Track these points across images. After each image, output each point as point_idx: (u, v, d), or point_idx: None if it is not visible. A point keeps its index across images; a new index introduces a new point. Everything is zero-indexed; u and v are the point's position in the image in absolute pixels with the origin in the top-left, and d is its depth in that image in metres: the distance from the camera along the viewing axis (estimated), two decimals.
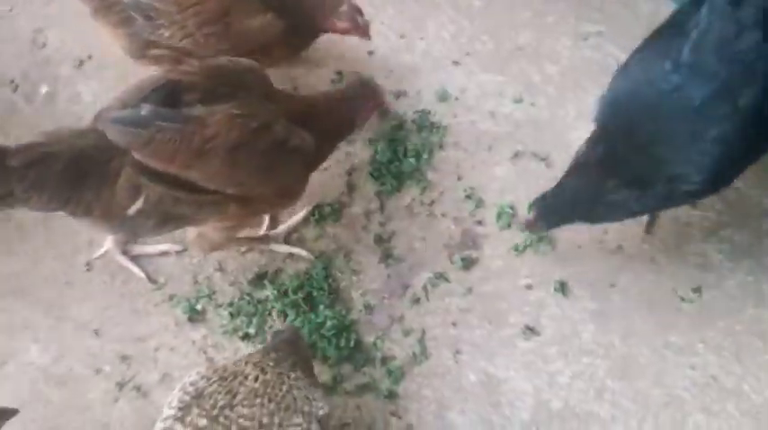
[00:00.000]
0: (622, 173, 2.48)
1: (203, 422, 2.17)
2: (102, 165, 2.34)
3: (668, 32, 2.49)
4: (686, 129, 2.36)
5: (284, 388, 2.28)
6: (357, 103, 2.79)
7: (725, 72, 2.31)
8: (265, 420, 2.18)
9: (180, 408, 2.23)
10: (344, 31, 2.93)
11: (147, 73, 2.88)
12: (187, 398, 2.25)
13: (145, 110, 2.32)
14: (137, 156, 2.32)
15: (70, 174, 2.32)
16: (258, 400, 2.23)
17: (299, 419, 2.21)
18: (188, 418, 2.19)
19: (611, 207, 2.54)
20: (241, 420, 2.17)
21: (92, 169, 2.34)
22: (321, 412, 2.26)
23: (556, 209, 2.63)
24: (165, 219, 2.49)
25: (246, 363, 2.32)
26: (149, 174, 2.36)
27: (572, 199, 2.59)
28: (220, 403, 2.21)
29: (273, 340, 2.47)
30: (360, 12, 2.92)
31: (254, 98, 2.47)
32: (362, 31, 2.95)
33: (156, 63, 2.78)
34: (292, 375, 2.31)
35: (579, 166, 2.59)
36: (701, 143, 2.35)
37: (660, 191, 2.45)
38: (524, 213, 2.80)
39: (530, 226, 2.71)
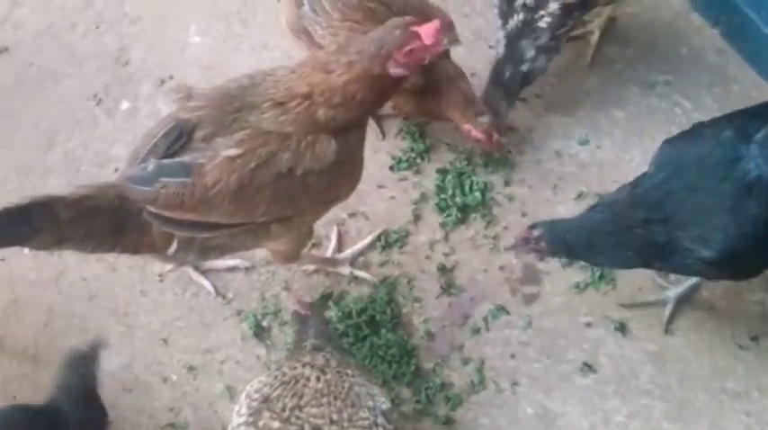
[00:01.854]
0: (654, 212, 2.49)
1: (276, 424, 2.25)
2: (137, 214, 2.41)
3: (752, 113, 2.55)
4: (728, 198, 2.40)
5: (346, 385, 2.35)
6: (375, 64, 2.34)
7: None
8: (335, 417, 2.26)
9: (250, 414, 2.30)
10: (474, 138, 3.00)
11: None
12: (255, 404, 2.32)
13: (150, 166, 2.36)
14: (151, 209, 2.39)
15: (111, 225, 2.41)
16: (324, 399, 2.30)
17: (365, 414, 2.29)
18: (260, 423, 2.26)
19: (624, 245, 2.55)
20: (312, 419, 2.25)
21: (127, 219, 2.42)
22: (384, 406, 2.34)
23: (563, 238, 2.62)
24: (205, 251, 2.58)
25: (304, 366, 2.39)
26: (171, 221, 2.42)
27: (589, 232, 2.59)
28: (289, 405, 2.28)
29: (305, 336, 2.55)
30: (499, 128, 3.00)
31: (266, 116, 2.39)
32: (495, 146, 3.03)
33: (305, 48, 2.92)
34: (350, 372, 2.39)
35: (606, 204, 2.62)
36: (738, 215, 2.39)
37: (677, 247, 2.47)
38: None
39: (523, 241, 2.66)
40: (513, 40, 2.98)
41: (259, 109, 2.40)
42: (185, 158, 2.37)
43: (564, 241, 2.62)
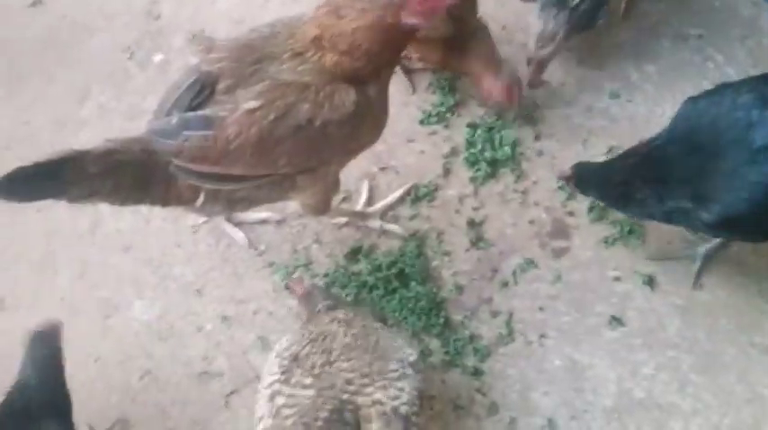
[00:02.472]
0: (661, 171, 2.53)
1: (308, 380, 2.29)
2: (163, 167, 2.43)
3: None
4: (734, 163, 2.40)
5: (373, 339, 2.39)
6: (390, 13, 2.32)
7: None
8: (365, 370, 2.30)
9: (282, 373, 2.35)
10: (491, 97, 3.01)
11: None
12: (286, 362, 2.37)
13: (174, 119, 2.39)
14: (176, 162, 2.42)
15: (140, 177, 2.44)
16: (354, 353, 2.34)
17: (394, 366, 2.33)
18: (293, 379, 2.31)
19: (633, 199, 2.61)
20: (343, 373, 2.29)
21: (154, 172, 2.44)
22: (412, 358, 2.38)
23: (590, 178, 2.72)
24: (232, 203, 2.61)
25: (330, 322, 2.44)
26: (196, 174, 2.45)
27: (605, 177, 2.67)
28: (319, 362, 2.33)
29: (316, 305, 2.57)
30: (520, 86, 3.01)
31: (285, 67, 2.40)
32: (512, 100, 3.02)
33: None
34: (374, 326, 2.44)
35: (626, 154, 2.67)
36: (738, 181, 2.39)
37: (681, 205, 2.50)
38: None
39: (562, 177, 2.81)
40: None
41: (279, 60, 2.41)
42: (207, 111, 2.38)
43: (587, 183, 2.72)
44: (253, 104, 2.35)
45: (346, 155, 2.62)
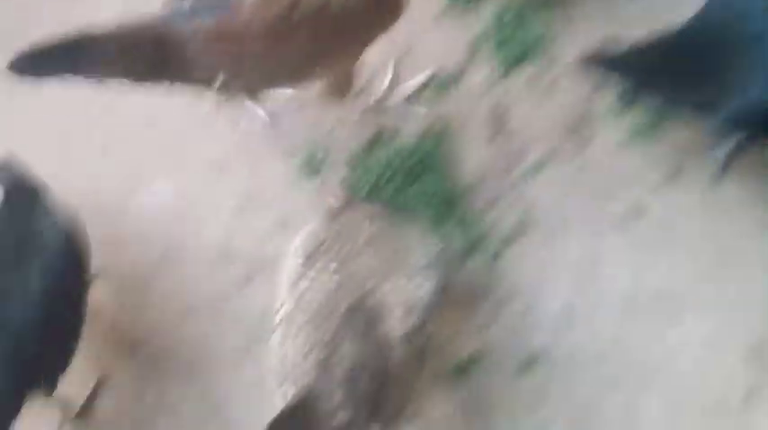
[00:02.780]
0: (687, 60, 2.50)
1: (333, 265, 2.31)
2: (181, 48, 2.40)
3: None
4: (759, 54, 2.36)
5: (398, 229, 2.41)
6: None
7: None
8: (391, 259, 2.31)
9: (307, 257, 2.36)
10: None
11: None
12: (311, 247, 2.38)
13: (187, 2, 2.37)
14: (192, 45, 2.38)
15: (155, 59, 2.42)
16: (379, 242, 2.35)
17: (420, 257, 2.34)
18: (317, 263, 2.32)
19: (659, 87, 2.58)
20: (369, 260, 2.30)
21: (171, 54, 2.42)
22: (437, 247, 2.40)
23: (617, 61, 2.62)
24: (252, 84, 2.60)
25: (355, 215, 2.43)
26: (213, 56, 2.41)
27: (633, 61, 2.59)
28: (346, 248, 2.34)
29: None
30: None
31: None
32: None
33: None
34: (402, 217, 2.46)
35: (661, 36, 2.60)
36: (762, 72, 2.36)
37: (707, 97, 2.46)
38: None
39: (587, 58, 2.64)
40: None
41: None
42: None
43: (613, 65, 2.62)
44: None
45: (368, 35, 2.56)
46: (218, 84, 2.50)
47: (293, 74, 2.61)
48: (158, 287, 2.84)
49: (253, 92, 2.80)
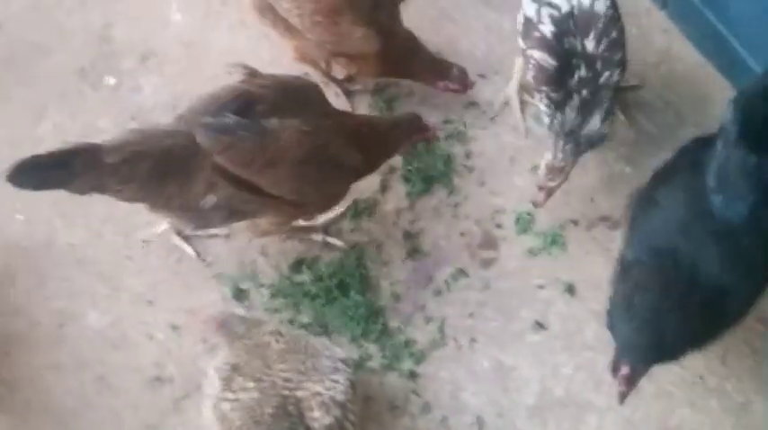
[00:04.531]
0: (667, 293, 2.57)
1: (251, 384, 2.51)
2: (184, 163, 2.65)
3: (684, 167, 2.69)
4: (728, 245, 2.52)
5: (303, 342, 2.66)
6: (404, 133, 3.09)
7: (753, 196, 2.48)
8: (301, 367, 2.55)
9: (224, 382, 2.57)
10: (450, 91, 3.30)
11: (199, 71, 3.32)
12: (226, 373, 2.60)
13: (230, 119, 2.65)
14: (217, 158, 2.64)
15: (157, 170, 2.64)
16: (288, 356, 2.59)
17: (327, 361, 2.59)
18: (234, 386, 2.53)
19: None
20: (282, 373, 2.53)
21: (174, 166, 2.66)
22: (341, 355, 2.65)
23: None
24: (232, 213, 2.85)
25: (261, 335, 2.66)
26: (225, 174, 2.68)
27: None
28: (258, 366, 2.56)
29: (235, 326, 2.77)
30: (466, 73, 3.27)
31: (314, 115, 2.80)
32: (468, 87, 3.31)
33: (270, 26, 3.15)
34: (303, 332, 2.74)
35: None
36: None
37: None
38: (541, 219, 3.16)
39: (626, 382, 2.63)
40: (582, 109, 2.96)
41: (311, 107, 2.81)
42: (262, 122, 2.67)
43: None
44: (305, 127, 2.68)
45: (330, 202, 3.02)
46: (209, 202, 2.72)
47: (258, 209, 2.88)
48: (93, 418, 2.97)
49: (227, 221, 2.95)
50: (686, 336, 2.60)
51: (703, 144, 2.65)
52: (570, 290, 3.10)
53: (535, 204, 3.10)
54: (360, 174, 2.99)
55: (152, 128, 2.75)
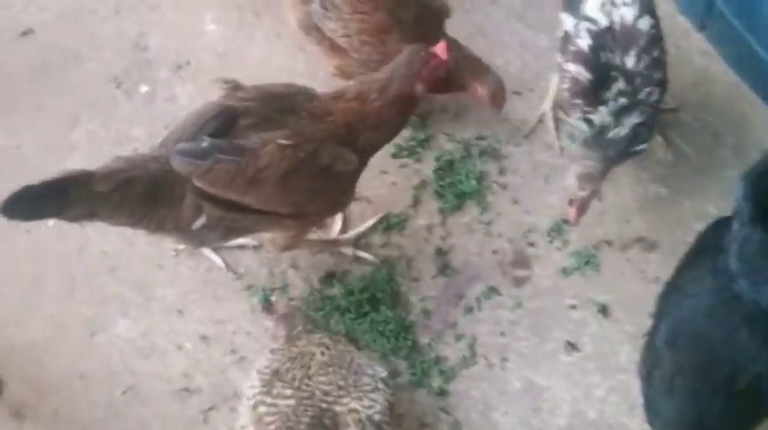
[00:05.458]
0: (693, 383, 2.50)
1: (288, 392, 2.51)
2: (171, 187, 2.63)
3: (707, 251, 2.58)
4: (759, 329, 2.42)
5: (348, 357, 2.63)
6: (406, 85, 2.82)
7: None
8: (341, 383, 2.53)
9: (263, 385, 2.55)
10: (480, 98, 3.21)
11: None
12: (267, 376, 2.58)
13: (205, 142, 2.58)
14: (197, 183, 2.60)
15: (146, 196, 2.62)
16: (330, 369, 2.57)
17: (367, 380, 2.57)
18: (274, 391, 2.52)
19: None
20: (321, 386, 2.51)
21: (163, 191, 2.63)
22: (382, 374, 2.62)
23: None
24: (228, 232, 2.83)
25: (307, 344, 2.65)
26: (208, 198, 2.64)
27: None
28: (299, 375, 2.54)
29: (295, 328, 2.77)
30: (503, 89, 3.21)
31: (303, 122, 2.71)
32: (498, 104, 3.25)
33: (315, 43, 3.16)
34: (351, 348, 2.68)
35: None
36: None
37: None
38: (575, 238, 3.14)
39: None
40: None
41: (297, 115, 2.72)
42: (240, 140, 2.61)
43: None
44: (285, 141, 2.61)
45: (334, 209, 2.98)
46: (198, 224, 2.70)
47: (262, 225, 2.87)
48: (121, 428, 2.95)
49: (224, 239, 2.96)
50: (729, 420, 2.52)
51: (723, 226, 2.55)
52: (604, 311, 3.06)
53: (569, 222, 3.08)
54: (360, 170, 2.85)
55: (137, 155, 2.71)
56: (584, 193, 2.97)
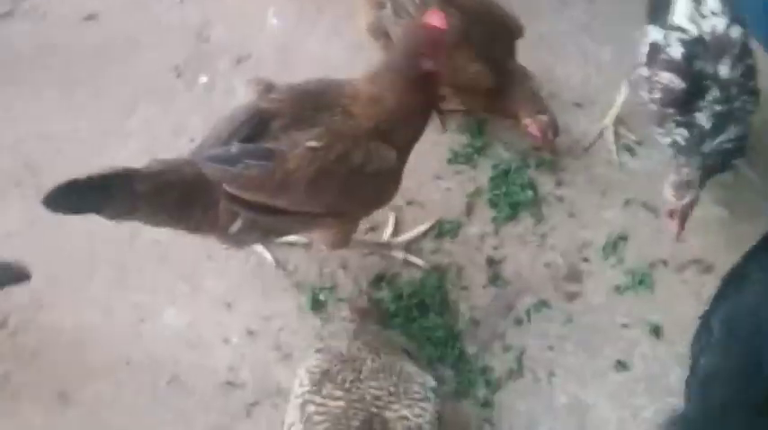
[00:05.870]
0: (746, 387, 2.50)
1: (339, 393, 2.48)
2: (207, 192, 2.61)
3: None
4: None
5: (399, 365, 2.60)
6: (411, 66, 2.66)
7: None
8: (392, 389, 2.50)
9: (313, 384, 2.53)
10: (530, 133, 3.18)
11: (292, 77, 3.07)
12: (317, 377, 2.55)
13: (234, 148, 2.56)
14: (228, 188, 2.58)
15: (183, 199, 2.61)
16: (381, 375, 2.54)
17: (417, 388, 2.53)
18: (323, 391, 2.50)
19: None
20: (372, 390, 2.49)
21: (199, 195, 2.62)
22: (432, 384, 2.59)
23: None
24: (266, 233, 2.81)
25: (360, 349, 2.62)
26: (241, 202, 2.62)
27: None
28: (350, 378, 2.52)
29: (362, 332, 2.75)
30: (555, 129, 3.17)
31: (337, 118, 2.65)
32: (547, 143, 3.21)
33: (382, 48, 3.13)
34: (404, 357, 2.64)
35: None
36: None
37: None
38: (630, 256, 3.09)
39: None
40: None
41: (331, 112, 2.65)
42: (269, 144, 2.58)
43: None
44: (315, 143, 2.56)
45: (373, 207, 2.90)
46: (235, 228, 2.70)
47: (303, 226, 2.85)
48: (164, 417, 2.95)
49: (263, 240, 2.98)
50: None
51: None
52: (656, 331, 3.01)
53: (675, 236, 2.98)
54: (400, 166, 2.75)
55: (175, 159, 2.68)
56: (683, 202, 2.90)
